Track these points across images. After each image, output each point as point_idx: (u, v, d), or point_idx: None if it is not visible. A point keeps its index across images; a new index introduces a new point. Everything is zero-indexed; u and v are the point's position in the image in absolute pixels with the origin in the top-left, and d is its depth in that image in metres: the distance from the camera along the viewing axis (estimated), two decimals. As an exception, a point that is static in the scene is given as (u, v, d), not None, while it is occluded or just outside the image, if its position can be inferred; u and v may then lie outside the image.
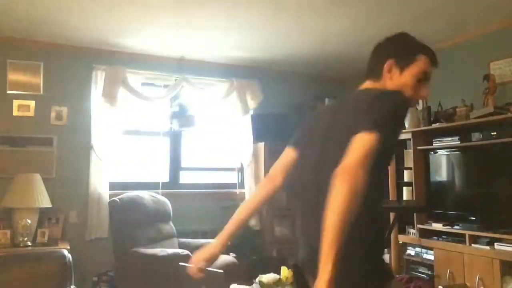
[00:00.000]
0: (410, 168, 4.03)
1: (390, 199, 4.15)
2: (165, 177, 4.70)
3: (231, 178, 5.03)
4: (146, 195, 4.06)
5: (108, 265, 3.94)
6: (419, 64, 1.45)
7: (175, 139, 4.80)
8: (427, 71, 1.45)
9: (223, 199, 4.80)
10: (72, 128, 4.20)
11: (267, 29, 3.84)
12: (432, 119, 3.93)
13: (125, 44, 4.24)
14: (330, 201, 1.13)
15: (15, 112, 4.01)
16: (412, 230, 3.94)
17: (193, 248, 3.89)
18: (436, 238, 3.71)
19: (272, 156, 4.74)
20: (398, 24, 3.70)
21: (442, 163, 3.86)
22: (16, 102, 4.02)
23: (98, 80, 4.26)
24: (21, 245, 3.53)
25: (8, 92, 4.01)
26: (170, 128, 4.66)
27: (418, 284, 3.42)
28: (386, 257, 4.11)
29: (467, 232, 3.40)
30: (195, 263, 1.54)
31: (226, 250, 4.03)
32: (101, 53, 4.33)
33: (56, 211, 3.98)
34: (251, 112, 4.95)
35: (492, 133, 3.36)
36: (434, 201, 3.85)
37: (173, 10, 3.40)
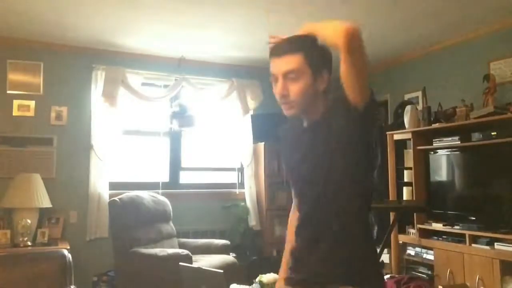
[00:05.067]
0: (410, 168, 4.03)
1: (390, 199, 4.15)
2: (165, 177, 4.69)
3: (231, 178, 5.03)
4: (146, 195, 4.05)
5: (108, 265, 3.94)
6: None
7: (175, 139, 4.79)
8: (271, 72, 1.52)
9: (223, 199, 4.81)
10: (72, 128, 4.20)
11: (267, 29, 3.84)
12: (432, 119, 3.92)
13: (125, 44, 4.24)
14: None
15: (15, 112, 4.01)
16: (412, 230, 3.94)
17: (193, 248, 3.91)
18: (436, 238, 3.70)
19: (272, 156, 4.75)
20: (399, 24, 3.70)
21: (442, 163, 3.85)
22: (16, 102, 4.02)
23: (98, 80, 4.26)
24: (21, 245, 3.53)
25: (8, 92, 4.01)
26: (170, 128, 4.66)
27: (418, 284, 3.40)
28: (386, 257, 4.12)
29: (467, 232, 3.39)
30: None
31: (226, 250, 4.06)
32: (101, 53, 4.33)
33: (56, 211, 3.98)
34: (251, 112, 4.95)
35: (492, 133, 3.35)
36: (434, 201, 3.85)
37: (173, 10, 3.40)
